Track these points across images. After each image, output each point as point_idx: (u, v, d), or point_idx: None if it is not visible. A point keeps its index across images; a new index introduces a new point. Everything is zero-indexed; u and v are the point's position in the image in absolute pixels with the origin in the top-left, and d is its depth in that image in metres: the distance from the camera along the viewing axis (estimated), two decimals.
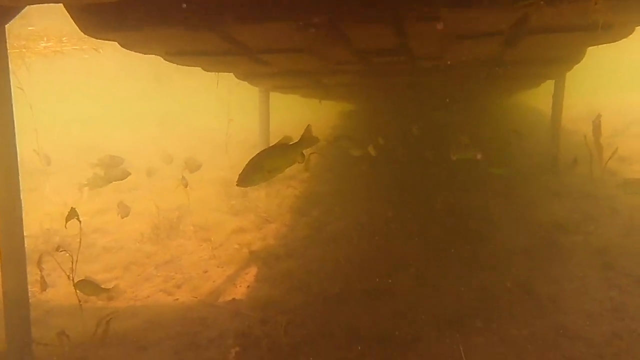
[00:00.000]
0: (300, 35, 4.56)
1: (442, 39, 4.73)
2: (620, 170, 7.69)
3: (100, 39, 4.72)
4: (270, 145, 5.40)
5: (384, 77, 7.84)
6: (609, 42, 4.85)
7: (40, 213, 8.56)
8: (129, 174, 7.35)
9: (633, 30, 4.42)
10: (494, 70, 6.52)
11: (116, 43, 4.94)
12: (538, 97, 10.63)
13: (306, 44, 5.01)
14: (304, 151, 5.92)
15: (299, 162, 5.71)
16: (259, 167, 4.53)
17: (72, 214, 5.27)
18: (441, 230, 6.56)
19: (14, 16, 4.47)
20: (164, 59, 5.81)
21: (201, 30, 4.34)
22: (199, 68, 6.57)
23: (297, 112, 16.61)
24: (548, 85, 8.42)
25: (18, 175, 4.41)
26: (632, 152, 8.56)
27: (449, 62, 6.02)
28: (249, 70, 6.91)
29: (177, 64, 6.07)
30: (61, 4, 3.87)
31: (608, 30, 4.20)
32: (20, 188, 4.42)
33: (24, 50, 11.35)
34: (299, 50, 5.25)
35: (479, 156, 6.80)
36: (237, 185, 4.48)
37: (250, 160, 4.56)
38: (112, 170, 7.62)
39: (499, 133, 9.82)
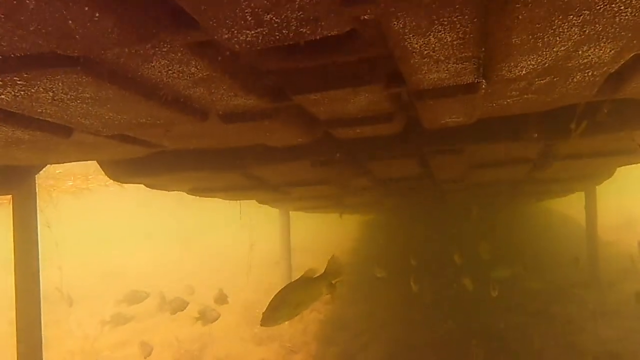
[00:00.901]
0: (320, 171, 4.57)
1: (467, 167, 4.70)
2: None
3: (127, 183, 4.81)
4: (294, 279, 5.19)
5: (406, 196, 7.78)
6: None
7: (62, 349, 8.28)
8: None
9: None
10: (518, 186, 6.41)
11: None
12: (570, 204, 10.40)
13: (326, 178, 5.01)
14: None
15: (325, 294, 5.45)
16: (285, 304, 4.31)
17: None
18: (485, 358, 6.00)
19: (42, 168, 4.62)
20: (187, 194, 5.87)
21: (225, 171, 4.38)
22: None
23: (318, 225, 16.55)
24: (580, 193, 8.25)
25: (40, 311, 4.43)
26: None
27: (470, 183, 5.96)
28: (271, 198, 6.93)
29: (200, 197, 6.12)
30: None
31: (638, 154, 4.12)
32: (42, 322, 4.42)
33: (51, 188, 11.82)
34: (319, 182, 5.26)
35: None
36: (261, 325, 4.23)
37: (275, 296, 4.35)
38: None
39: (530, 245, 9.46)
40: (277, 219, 10.77)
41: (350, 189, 6.22)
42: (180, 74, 1.94)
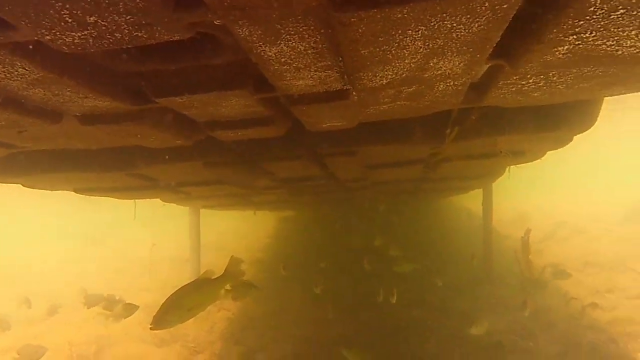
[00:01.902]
0: (215, 172, 4.43)
1: (364, 168, 4.78)
2: (554, 279, 7.85)
3: (2, 182, 4.37)
4: (192, 278, 5.01)
5: (314, 194, 7.83)
6: (524, 163, 5.09)
7: None
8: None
9: (545, 154, 4.66)
10: (419, 184, 6.67)
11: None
12: (471, 198, 11.07)
13: (222, 178, 4.88)
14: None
15: (228, 297, 5.33)
16: (178, 306, 4.15)
17: None
18: (385, 353, 6.19)
19: None
20: (75, 193, 5.46)
21: (109, 172, 4.10)
22: None
23: (231, 223, 16.26)
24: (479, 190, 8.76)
25: None
26: (561, 257, 8.82)
27: (373, 181, 6.11)
28: (172, 198, 6.65)
29: (89, 196, 5.72)
30: None
31: (521, 155, 4.41)
32: None
33: None
34: (219, 182, 5.11)
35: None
36: (151, 328, 4.05)
37: (168, 298, 4.18)
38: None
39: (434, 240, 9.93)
40: (187, 217, 10.42)
41: (255, 188, 6.12)
42: (8, 75, 1.74)
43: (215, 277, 4.76)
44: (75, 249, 17.93)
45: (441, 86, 2.38)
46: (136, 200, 6.83)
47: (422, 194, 8.40)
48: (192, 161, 4.03)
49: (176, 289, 4.28)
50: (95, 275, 11.59)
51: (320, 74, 2.05)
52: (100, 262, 13.95)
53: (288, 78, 2.08)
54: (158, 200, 7.98)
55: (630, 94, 2.91)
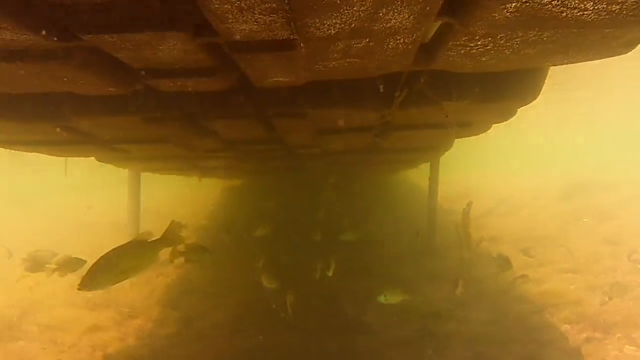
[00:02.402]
0: (154, 128, 4.21)
1: (314, 133, 4.70)
2: (490, 251, 8.19)
3: None
4: (127, 241, 4.82)
5: (262, 161, 7.69)
6: (471, 136, 5.18)
7: None
8: None
9: (490, 127, 4.76)
10: (370, 156, 6.68)
11: None
12: (421, 174, 11.30)
13: (163, 136, 4.65)
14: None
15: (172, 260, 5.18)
16: (110, 268, 3.95)
17: None
18: (321, 321, 6.27)
19: None
20: (0, 147, 5.04)
21: (36, 122, 3.78)
22: None
23: (175, 189, 15.81)
24: (427, 166, 8.92)
25: None
26: (500, 231, 9.22)
27: (324, 150, 6.05)
28: (108, 156, 6.30)
29: (17, 151, 5.31)
30: None
31: (467, 127, 4.48)
32: None
33: None
34: (160, 141, 4.87)
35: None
36: (78, 289, 3.83)
37: (100, 259, 3.96)
38: None
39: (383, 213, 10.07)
40: (126, 180, 10.00)
41: (199, 150, 5.90)
42: None
43: (153, 239, 4.60)
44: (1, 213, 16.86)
45: (391, 43, 2.31)
46: (69, 158, 6.44)
47: (372, 166, 8.46)
48: (129, 115, 3.79)
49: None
50: (20, 235, 10.93)
51: (265, 17, 1.92)
52: (27, 224, 13.17)
53: (230, 20, 1.94)
54: (95, 163, 7.58)
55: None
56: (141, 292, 7.93)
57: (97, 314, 6.93)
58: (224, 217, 12.99)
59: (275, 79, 2.82)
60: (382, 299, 5.79)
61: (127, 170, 9.77)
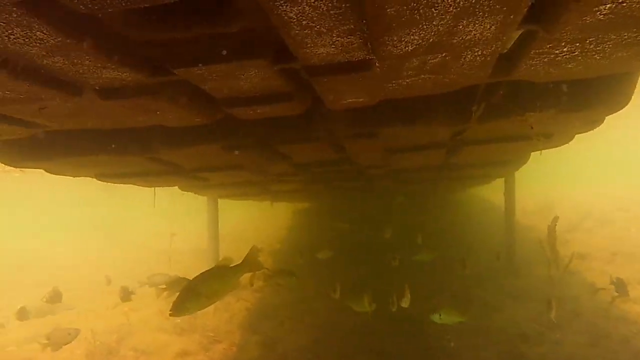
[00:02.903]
0: (233, 155, 4.39)
1: (384, 152, 4.68)
2: (581, 269, 7.63)
3: (24, 168, 4.42)
4: (211, 266, 5.01)
5: (331, 182, 7.75)
6: (551, 148, 4.92)
7: None
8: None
9: (573, 137, 4.50)
10: (441, 173, 6.53)
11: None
12: (493, 190, 10.82)
13: (242, 163, 4.84)
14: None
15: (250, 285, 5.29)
16: (196, 294, 4.13)
17: None
18: (404, 344, 6.10)
19: None
20: (97, 180, 5.48)
21: (129, 155, 4.08)
22: None
23: (249, 214, 16.29)
24: (500, 181, 8.55)
25: None
26: (589, 248, 8.58)
27: (393, 169, 5.99)
28: (190, 185, 6.64)
29: (111, 183, 5.74)
30: None
31: (548, 138, 4.26)
32: None
33: None
34: (236, 167, 5.07)
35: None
36: (170, 315, 4.07)
37: (186, 285, 4.17)
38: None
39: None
40: (205, 208, 10.46)
41: (272, 175, 6.07)
42: (27, 40, 1.69)
43: (234, 265, 4.74)
44: (92, 240, 18.19)
45: (469, 56, 2.27)
46: (156, 188, 6.86)
47: (443, 183, 8.24)
48: (210, 144, 3.99)
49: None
50: (113, 265, 11.71)
51: (343, 39, 1.97)
52: (117, 252, 14.10)
53: (309, 45, 2.00)
54: (176, 192, 8.01)
55: None
56: (222, 316, 8.17)
57: (185, 339, 7.22)
58: (296, 241, 13.16)
59: (350, 100, 2.85)
60: (436, 318, 5.58)
61: (205, 197, 10.23)
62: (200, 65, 2.15)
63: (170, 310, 4.03)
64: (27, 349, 7.51)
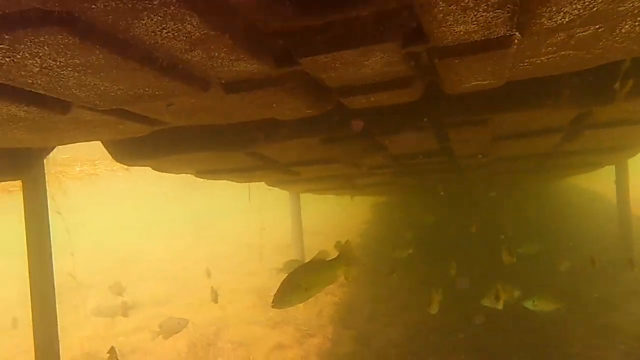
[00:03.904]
0: (330, 148, 4.34)
1: (490, 140, 4.41)
2: None
3: (133, 166, 4.63)
4: (306, 260, 5.05)
5: (421, 175, 7.51)
6: None
7: (80, 334, 8.36)
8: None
9: None
10: (545, 161, 6.08)
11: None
12: (597, 180, 9.97)
13: (338, 155, 4.77)
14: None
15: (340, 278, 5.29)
16: (296, 286, 4.17)
17: (112, 357, 5.27)
18: (505, 346, 5.78)
19: (51, 151, 4.46)
20: (195, 176, 5.67)
21: (231, 151, 4.15)
22: None
23: (329, 208, 16.34)
24: (607, 168, 7.85)
25: (54, 297, 4.44)
26: None
27: (494, 158, 5.66)
28: (280, 179, 6.71)
29: (208, 179, 5.93)
30: None
31: None
32: (57, 308, 4.47)
33: (60, 175, 11.76)
34: (330, 161, 5.02)
35: None
36: (272, 306, 4.14)
37: (286, 278, 4.22)
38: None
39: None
40: (288, 202, 10.59)
41: (363, 168, 5.96)
42: (176, 34, 1.68)
43: (331, 258, 4.76)
44: (183, 236, 19.15)
45: (627, 26, 2.00)
46: (249, 184, 7.01)
47: (543, 172, 7.69)
48: (311, 136, 3.96)
49: (281, 272, 4.29)
50: (210, 259, 12.24)
51: (488, 14, 1.79)
52: (208, 248, 14.72)
53: (449, 23, 1.84)
54: (261, 187, 8.16)
55: None
56: (312, 310, 8.22)
57: (279, 332, 7.35)
58: (377, 234, 13.01)
59: (474, 83, 2.66)
60: (529, 304, 5.20)
61: (287, 192, 10.35)
62: (328, 53, 2.06)
63: (272, 303, 4.09)
64: (135, 338, 8.02)
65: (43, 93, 2.13)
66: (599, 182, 10.94)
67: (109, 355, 5.31)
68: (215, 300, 7.85)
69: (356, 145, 4.34)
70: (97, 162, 11.96)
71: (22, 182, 4.55)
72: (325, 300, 8.66)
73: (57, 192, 10.80)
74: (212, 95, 2.46)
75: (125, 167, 12.91)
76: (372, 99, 2.81)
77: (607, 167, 7.88)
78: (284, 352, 6.93)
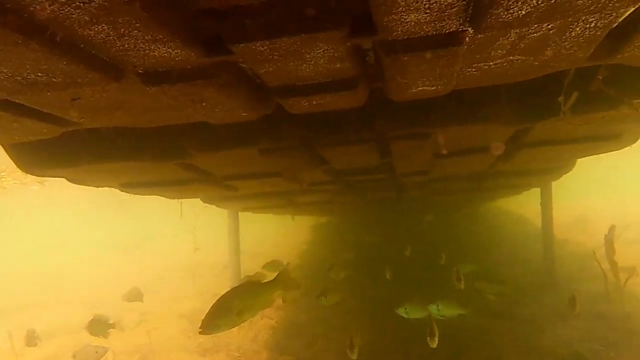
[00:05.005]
0: (270, 161, 4.07)
1: (431, 157, 4.32)
2: (629, 284, 7.10)
3: (44, 176, 4.11)
4: (240, 283, 4.71)
5: (361, 194, 7.39)
6: (614, 150, 4.51)
7: None
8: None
9: (639, 138, 4.11)
10: (479, 182, 6.14)
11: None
12: (520, 203, 10.36)
13: (277, 169, 4.51)
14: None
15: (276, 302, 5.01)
16: (227, 310, 3.86)
17: None
18: None
19: None
20: (119, 190, 5.17)
21: (159, 160, 3.77)
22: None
23: (268, 228, 15.95)
24: (531, 192, 8.13)
25: None
26: (635, 262, 8.08)
27: (433, 177, 5.62)
28: (216, 196, 6.32)
29: (135, 194, 5.43)
30: None
31: (617, 139, 3.87)
32: None
33: None
34: (269, 175, 4.75)
35: None
36: (200, 332, 3.82)
37: (217, 300, 3.90)
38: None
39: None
40: (225, 221, 10.14)
41: (304, 183, 5.73)
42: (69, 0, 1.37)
43: (266, 281, 4.53)
44: (111, 257, 17.93)
45: (578, 28, 1.92)
46: (180, 201, 6.55)
47: (477, 193, 7.82)
48: (249, 146, 3.68)
49: (216, 296, 3.99)
50: (133, 282, 11.41)
51: (442, 3, 1.63)
52: (138, 269, 13.82)
53: (400, 9, 1.67)
54: (196, 206, 7.69)
55: None
56: (247, 335, 7.78)
57: (209, 359, 6.85)
58: (316, 256, 12.76)
59: (420, 89, 2.51)
60: (433, 310, 5.18)
61: (225, 211, 9.91)
62: (265, 39, 1.81)
63: (200, 328, 3.80)
64: None
65: None
66: (525, 205, 11.38)
67: None
68: (32, 344, 7.21)
69: (297, 157, 4.10)
70: (3, 173, 10.80)
71: None
72: (261, 324, 8.24)
73: None
74: (127, 87, 2.13)
75: (38, 181, 11.88)
76: (315, 102, 2.59)
77: (533, 189, 8.16)
78: None
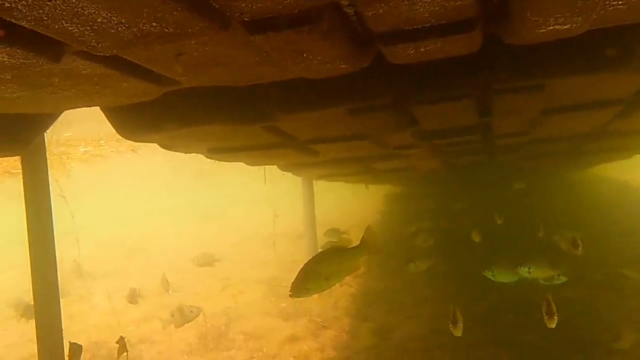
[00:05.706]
0: (358, 122, 3.88)
1: (539, 113, 3.91)
2: None
3: (139, 141, 4.21)
4: (324, 248, 4.67)
5: (447, 159, 7.03)
6: None
7: (87, 323, 8.12)
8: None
9: None
10: (587, 144, 5.57)
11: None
12: (622, 168, 9.43)
13: (363, 131, 4.31)
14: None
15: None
16: (315, 274, 3.83)
17: (122, 348, 5.11)
18: (541, 341, 5.32)
19: (52, 123, 4.03)
20: (206, 157, 5.24)
21: (246, 123, 3.70)
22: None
23: (342, 198, 15.91)
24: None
25: (57, 286, 4.25)
26: None
27: (533, 138, 5.15)
28: (296, 162, 6.26)
29: (220, 161, 5.49)
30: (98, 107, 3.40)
31: None
32: (60, 298, 4.29)
33: (63, 156, 11.33)
34: (355, 138, 4.56)
35: None
36: (290, 295, 3.81)
37: (305, 265, 3.88)
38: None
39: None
40: (300, 190, 10.16)
41: (388, 147, 5.50)
42: None
43: (352, 246, 4.43)
44: (191, 224, 18.82)
45: None
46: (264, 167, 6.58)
47: (580, 157, 7.14)
48: (336, 106, 3.51)
49: (294, 263, 3.94)
50: (213, 249, 11.90)
51: None
52: (217, 237, 14.39)
53: None
54: (273, 174, 7.70)
55: None
56: (327, 301, 7.82)
57: (292, 324, 6.99)
58: (395, 226, 12.55)
59: (552, 28, 2.16)
60: (524, 272, 4.76)
61: (300, 179, 9.91)
62: None
63: (289, 291, 3.80)
64: (145, 328, 7.69)
65: (27, 27, 1.67)
66: (629, 172, 10.42)
67: (118, 345, 5.17)
68: (134, 301, 7.60)
69: (386, 117, 3.88)
70: (102, 142, 11.50)
71: (21, 158, 4.22)
72: (340, 291, 8.25)
73: (60, 175, 10.46)
74: (231, 37, 2.00)
75: (132, 149, 12.52)
76: (422, 50, 2.33)
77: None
78: (298, 344, 6.57)
